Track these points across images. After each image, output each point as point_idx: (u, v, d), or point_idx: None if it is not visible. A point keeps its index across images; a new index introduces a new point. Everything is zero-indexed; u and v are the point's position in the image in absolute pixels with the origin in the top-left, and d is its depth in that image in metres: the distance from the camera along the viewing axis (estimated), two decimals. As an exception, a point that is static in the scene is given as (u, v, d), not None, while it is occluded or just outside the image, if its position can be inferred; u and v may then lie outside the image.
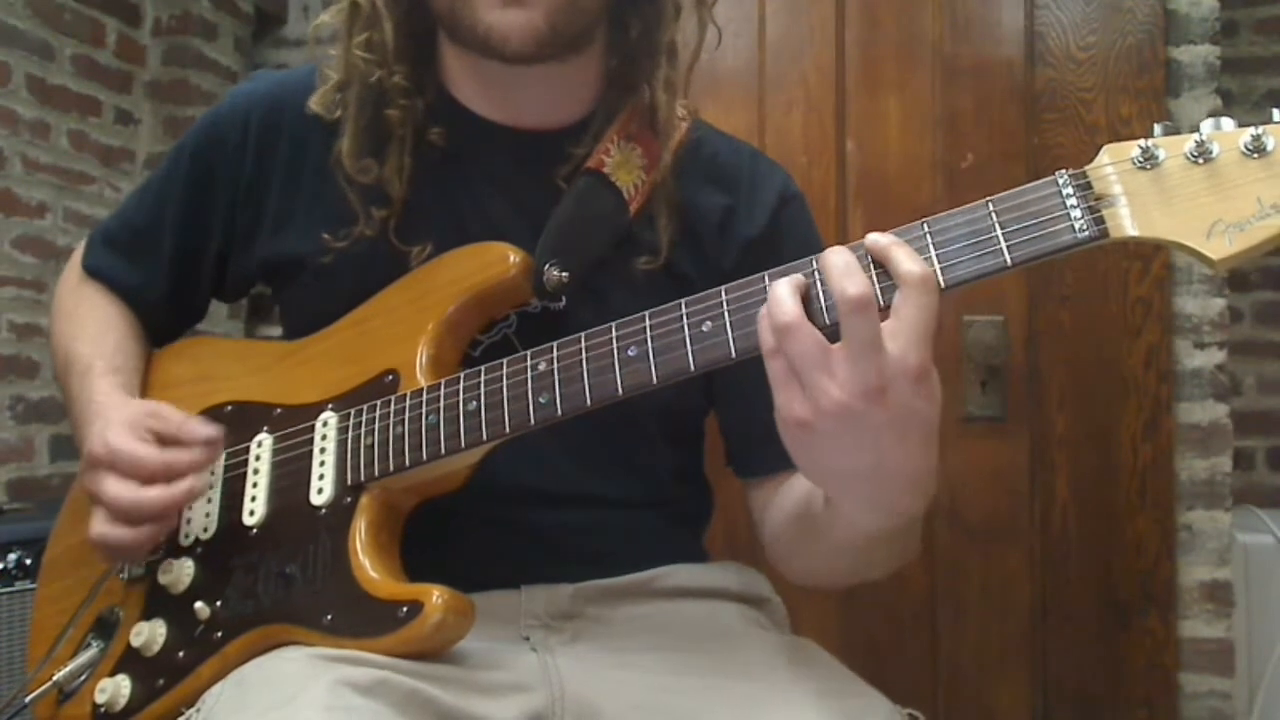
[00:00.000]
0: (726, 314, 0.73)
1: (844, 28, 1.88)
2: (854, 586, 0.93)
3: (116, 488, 0.85)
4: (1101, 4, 1.78)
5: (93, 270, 1.07)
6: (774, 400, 0.69)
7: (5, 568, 1.65)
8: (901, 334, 0.65)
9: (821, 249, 1.00)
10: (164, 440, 0.88)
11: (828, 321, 0.68)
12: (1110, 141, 0.69)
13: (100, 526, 0.85)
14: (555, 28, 0.86)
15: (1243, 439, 2.20)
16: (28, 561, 1.65)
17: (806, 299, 0.68)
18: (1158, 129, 0.68)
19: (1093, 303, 1.76)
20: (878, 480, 0.71)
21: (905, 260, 0.66)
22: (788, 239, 0.99)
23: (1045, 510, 1.78)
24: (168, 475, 0.85)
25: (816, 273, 0.70)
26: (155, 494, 0.85)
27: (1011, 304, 1.77)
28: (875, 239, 0.69)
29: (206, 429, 0.88)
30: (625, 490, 0.96)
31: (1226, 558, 1.74)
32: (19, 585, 1.65)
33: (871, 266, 0.68)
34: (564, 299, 0.92)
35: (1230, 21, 2.38)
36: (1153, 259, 1.75)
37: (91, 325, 1.04)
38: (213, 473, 0.92)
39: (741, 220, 0.98)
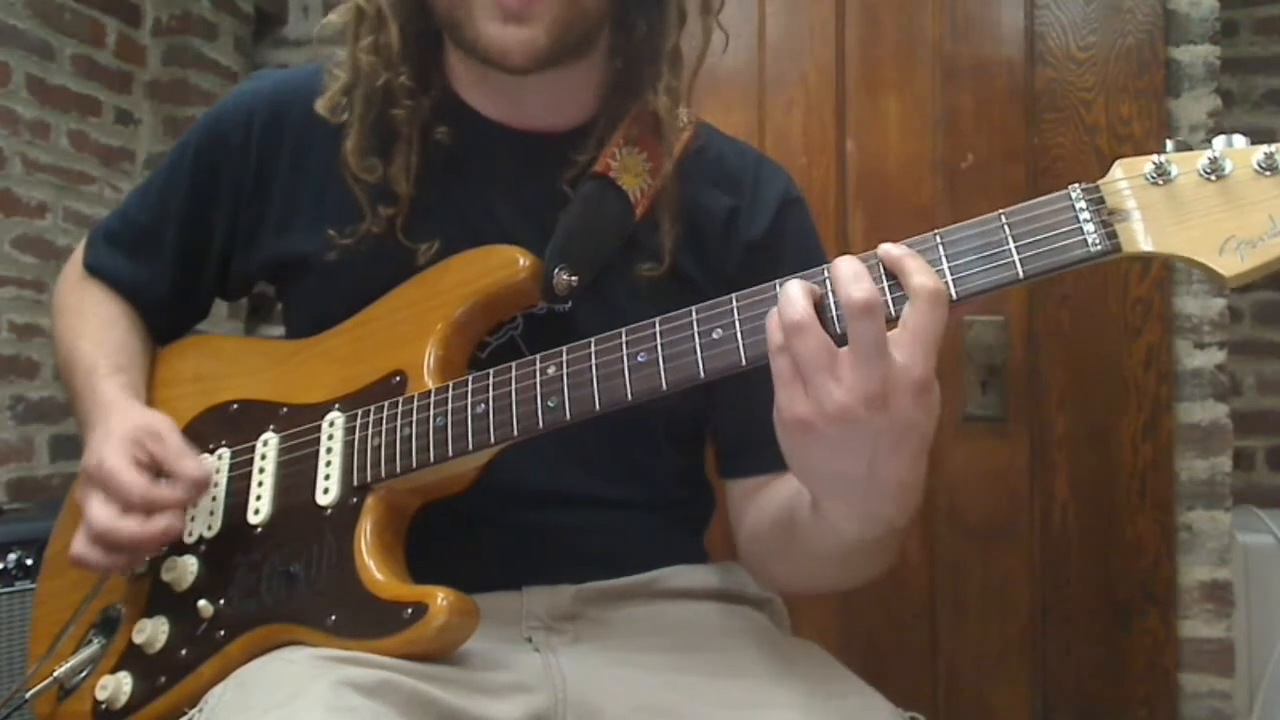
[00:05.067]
0: (737, 322, 0.73)
1: (844, 28, 1.87)
2: (853, 586, 0.93)
3: (98, 510, 0.85)
4: (1101, 4, 1.78)
5: (95, 268, 1.07)
6: (776, 398, 0.69)
7: (5, 568, 1.65)
8: (908, 344, 0.66)
9: (822, 253, 1.03)
10: (157, 466, 0.87)
11: (839, 330, 0.68)
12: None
13: (79, 546, 0.86)
14: (556, 42, 0.87)
15: (1243, 439, 2.20)
16: (28, 561, 1.65)
17: (819, 306, 0.68)
18: (1170, 145, 0.68)
19: (1093, 303, 1.76)
20: (868, 486, 0.71)
21: (918, 272, 0.67)
22: (789, 242, 1.00)
23: (1045, 510, 1.78)
24: (148, 510, 0.85)
25: (828, 281, 0.70)
26: (129, 527, 0.84)
27: (1011, 304, 1.77)
28: (888, 249, 0.69)
29: (198, 469, 0.87)
30: (628, 491, 0.97)
31: (1226, 558, 1.74)
32: (19, 585, 1.65)
33: (884, 276, 0.69)
34: (570, 301, 0.92)
35: (1230, 21, 2.37)
36: (1152, 259, 1.74)
37: (94, 323, 1.03)
38: (218, 470, 0.92)
39: (744, 222, 0.99)
